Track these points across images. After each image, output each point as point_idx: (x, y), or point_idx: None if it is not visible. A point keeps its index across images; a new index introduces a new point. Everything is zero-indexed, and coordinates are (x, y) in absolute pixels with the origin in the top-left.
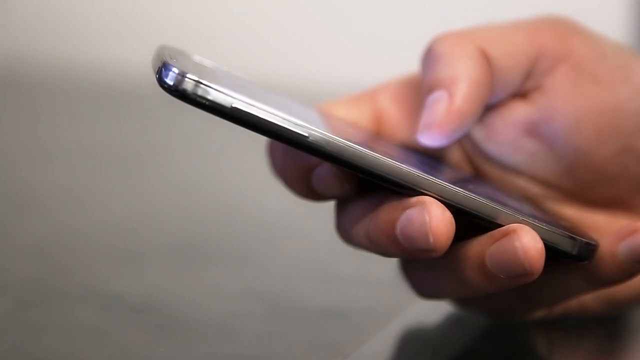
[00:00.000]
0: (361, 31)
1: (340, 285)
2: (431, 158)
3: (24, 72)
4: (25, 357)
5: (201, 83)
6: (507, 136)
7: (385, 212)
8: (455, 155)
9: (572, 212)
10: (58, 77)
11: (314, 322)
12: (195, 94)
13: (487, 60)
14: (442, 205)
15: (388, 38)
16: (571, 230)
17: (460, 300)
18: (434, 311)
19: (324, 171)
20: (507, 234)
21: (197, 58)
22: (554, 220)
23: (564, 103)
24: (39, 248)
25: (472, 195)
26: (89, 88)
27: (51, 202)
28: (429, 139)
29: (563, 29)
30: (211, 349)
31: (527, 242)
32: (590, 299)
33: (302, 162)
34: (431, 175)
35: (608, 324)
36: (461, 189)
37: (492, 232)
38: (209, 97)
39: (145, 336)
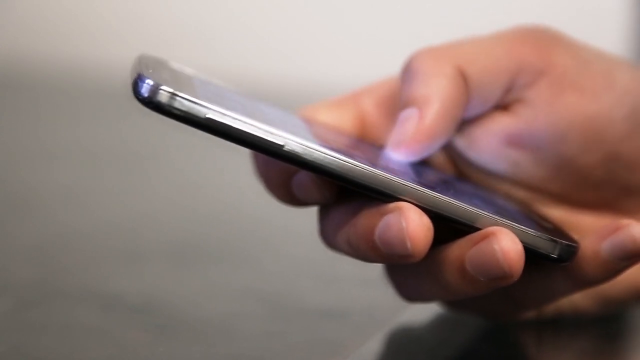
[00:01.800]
0: (360, 31)
1: (340, 285)
2: (416, 162)
3: (24, 72)
4: (25, 357)
5: (175, 95)
6: (489, 146)
7: (364, 219)
8: (440, 159)
9: (559, 214)
10: (58, 77)
11: (313, 322)
12: (170, 106)
13: (463, 79)
14: (419, 211)
15: (387, 38)
16: (552, 232)
17: (448, 302)
18: (433, 312)
19: (303, 178)
20: (486, 236)
21: (176, 66)
22: (535, 223)
23: (547, 113)
24: (39, 248)
25: (450, 200)
26: (89, 88)
27: (51, 202)
28: (398, 155)
29: (543, 40)
30: (211, 348)
31: (505, 245)
32: (581, 298)
33: (283, 168)
34: (409, 180)
35: (603, 324)
36: (438, 194)
37: (471, 235)
38: (183, 109)
39: (145, 336)
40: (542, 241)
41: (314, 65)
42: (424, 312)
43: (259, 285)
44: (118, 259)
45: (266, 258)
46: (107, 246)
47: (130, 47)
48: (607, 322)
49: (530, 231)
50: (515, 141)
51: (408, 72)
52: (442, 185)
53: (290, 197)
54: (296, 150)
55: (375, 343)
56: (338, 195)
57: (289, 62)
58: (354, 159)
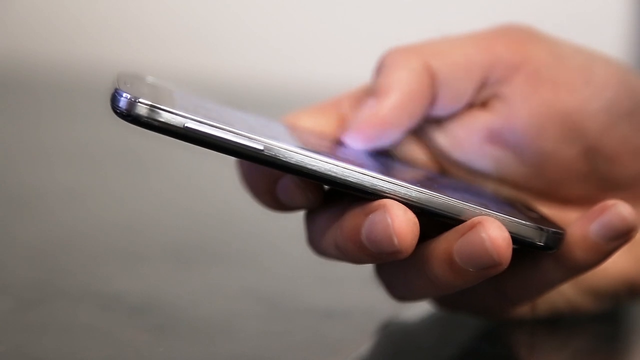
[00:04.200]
0: (361, 32)
1: (340, 285)
2: (399, 162)
3: (24, 72)
4: (25, 357)
5: (153, 106)
6: (471, 145)
7: (350, 219)
8: (425, 160)
9: (545, 211)
10: (58, 77)
11: (314, 322)
12: (148, 117)
13: (429, 74)
14: (404, 206)
15: (388, 39)
16: (538, 221)
17: (441, 302)
18: (433, 311)
19: (287, 182)
20: (473, 226)
21: (156, 81)
22: (521, 212)
23: (524, 109)
24: (39, 248)
25: (433, 194)
26: (89, 88)
27: (51, 202)
28: (350, 139)
29: (518, 36)
30: (211, 348)
31: (493, 232)
32: (576, 295)
33: (266, 174)
34: (391, 177)
35: (598, 324)
36: (421, 188)
37: (457, 226)
38: (161, 119)
39: (145, 336)
40: (528, 229)
41: (314, 66)
42: (424, 312)
43: (259, 285)
44: (118, 259)
45: (266, 258)
46: (107, 246)
47: (130, 47)
48: (603, 321)
49: (516, 220)
50: (495, 138)
51: (378, 67)
52: (426, 181)
53: (276, 202)
54: (276, 154)
55: (375, 343)
56: (323, 200)
57: (290, 62)
58: (335, 160)
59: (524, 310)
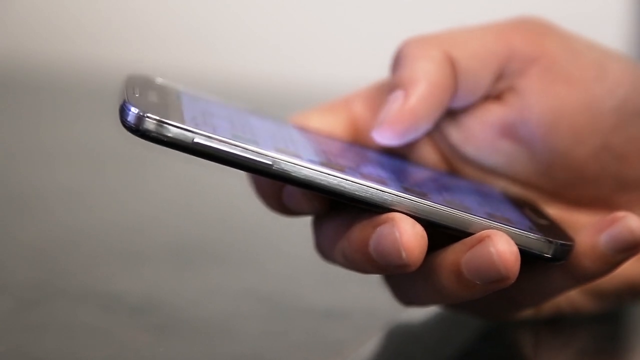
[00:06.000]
0: (361, 31)
1: (340, 285)
2: (407, 162)
3: (24, 72)
4: (25, 357)
5: (161, 122)
6: (484, 138)
7: (358, 231)
8: (433, 158)
9: (555, 213)
10: (58, 77)
11: (314, 322)
12: (157, 133)
13: (451, 64)
14: (412, 220)
15: (389, 40)
16: (547, 230)
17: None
18: (433, 311)
19: (293, 190)
20: (481, 240)
21: (164, 83)
22: (530, 220)
23: (538, 103)
24: (39, 248)
25: (443, 208)
26: (89, 88)
27: (51, 202)
28: (381, 136)
29: (535, 29)
30: (211, 349)
31: (501, 247)
32: (578, 295)
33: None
34: (401, 189)
35: (601, 324)
36: (430, 202)
37: (466, 239)
38: (170, 135)
39: (145, 336)
40: (536, 242)
41: (314, 66)
42: (424, 312)
43: (259, 285)
44: (118, 259)
45: (266, 258)
46: (107, 246)
47: (130, 47)
48: (605, 321)
49: (524, 233)
50: (508, 132)
51: (397, 58)
52: (434, 187)
53: (282, 207)
54: (285, 169)
55: (375, 343)
56: (330, 206)
57: (290, 62)
58: (345, 172)
59: (528, 313)
